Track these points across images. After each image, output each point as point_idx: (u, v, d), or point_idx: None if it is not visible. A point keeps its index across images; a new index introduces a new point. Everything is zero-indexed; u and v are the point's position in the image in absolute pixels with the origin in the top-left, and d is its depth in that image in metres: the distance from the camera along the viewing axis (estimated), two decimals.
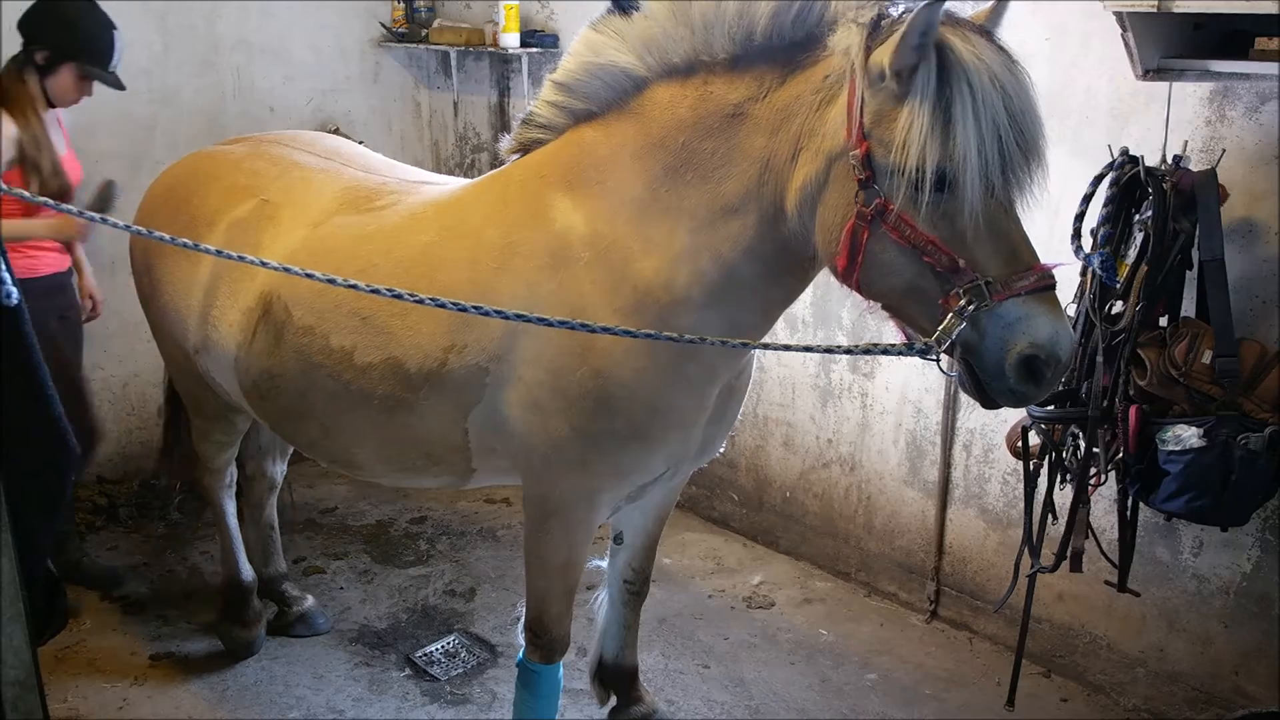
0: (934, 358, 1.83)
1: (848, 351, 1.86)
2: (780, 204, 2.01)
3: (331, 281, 1.76)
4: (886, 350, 1.87)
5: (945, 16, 1.77)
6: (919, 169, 1.76)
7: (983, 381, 1.88)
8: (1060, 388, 2.69)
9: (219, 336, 2.67)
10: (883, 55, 1.78)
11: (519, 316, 1.80)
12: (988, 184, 1.77)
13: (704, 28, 2.03)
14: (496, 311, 1.76)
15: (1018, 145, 1.79)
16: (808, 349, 2.04)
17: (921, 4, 1.70)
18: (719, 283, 2.13)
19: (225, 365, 2.70)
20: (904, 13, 1.82)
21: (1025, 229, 1.87)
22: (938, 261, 1.81)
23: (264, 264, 1.86)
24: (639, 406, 2.21)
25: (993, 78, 1.76)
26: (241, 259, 1.91)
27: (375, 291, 1.78)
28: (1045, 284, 1.82)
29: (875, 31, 1.82)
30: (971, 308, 1.79)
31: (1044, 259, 1.88)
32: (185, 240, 1.98)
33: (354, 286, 1.78)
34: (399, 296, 1.75)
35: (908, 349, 1.84)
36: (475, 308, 1.75)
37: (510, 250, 2.26)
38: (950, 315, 1.80)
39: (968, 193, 1.76)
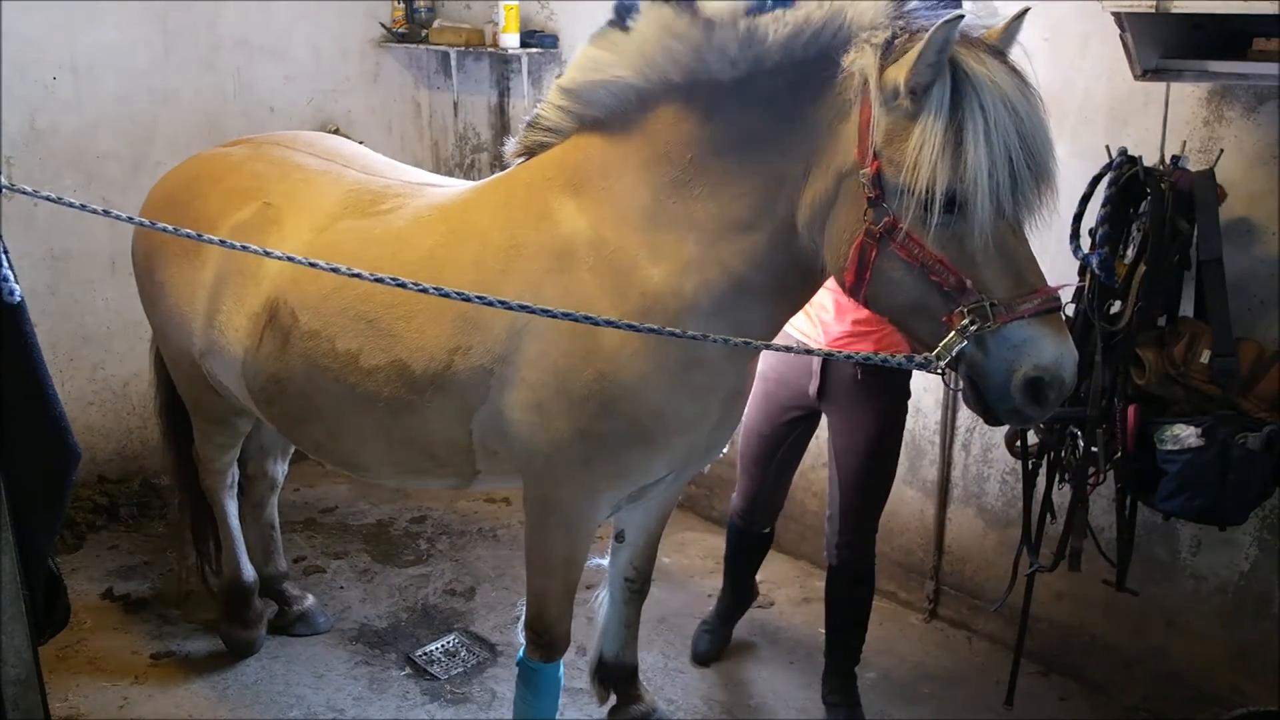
0: (935, 371, 1.85)
1: (848, 358, 1.87)
2: (790, 220, 2.02)
3: (335, 270, 1.78)
4: (887, 359, 1.89)
5: (960, 36, 1.77)
6: (929, 189, 1.77)
7: (988, 401, 1.90)
8: None
9: (225, 341, 2.68)
10: (897, 73, 1.79)
11: (523, 308, 1.81)
12: (997, 206, 1.79)
13: (709, 49, 2.01)
14: (500, 302, 1.77)
15: (1028, 168, 1.80)
16: (808, 351, 2.05)
17: (939, 21, 1.71)
18: (727, 293, 2.14)
19: (232, 370, 2.70)
20: (918, 32, 1.82)
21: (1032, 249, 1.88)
22: (945, 280, 1.83)
23: (267, 253, 1.86)
24: (643, 410, 2.22)
25: (1005, 100, 1.77)
26: (245, 249, 1.91)
27: (379, 280, 1.78)
28: (1050, 306, 1.84)
29: (888, 51, 1.83)
30: (974, 327, 1.81)
31: (1041, 258, 1.90)
32: (188, 230, 1.98)
33: (358, 275, 1.79)
34: (402, 285, 1.76)
35: (908, 360, 1.85)
36: (479, 296, 1.76)
37: (515, 253, 2.26)
38: (953, 333, 1.82)
39: (977, 214, 1.78)
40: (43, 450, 1.89)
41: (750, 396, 2.76)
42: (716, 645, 3.47)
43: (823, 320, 2.76)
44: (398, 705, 3.21)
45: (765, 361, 2.91)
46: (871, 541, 3.00)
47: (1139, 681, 3.23)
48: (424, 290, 1.75)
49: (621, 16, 2.10)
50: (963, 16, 1.73)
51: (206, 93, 4.42)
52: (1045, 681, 3.38)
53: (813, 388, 2.88)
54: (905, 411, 2.93)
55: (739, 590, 3.47)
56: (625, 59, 2.11)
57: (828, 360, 2.79)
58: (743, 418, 3.05)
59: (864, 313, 2.67)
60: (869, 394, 2.81)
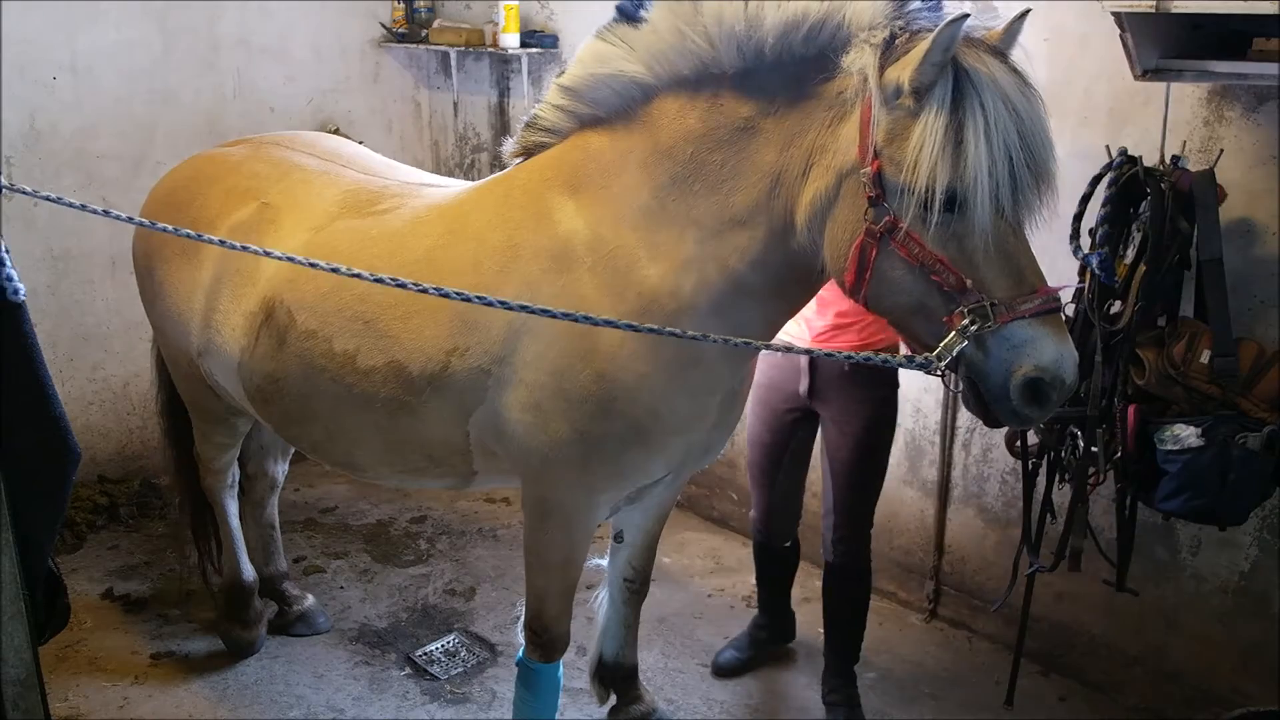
0: (935, 372, 1.84)
1: (848, 358, 1.87)
2: (790, 218, 2.02)
3: (335, 270, 1.78)
4: (887, 360, 1.88)
5: (962, 36, 1.77)
6: (929, 188, 1.77)
7: (987, 402, 1.90)
8: None
9: (222, 341, 2.68)
10: (900, 72, 1.79)
11: (523, 308, 1.80)
12: (997, 205, 1.79)
13: (713, 42, 2.02)
14: (500, 302, 1.77)
15: (1028, 168, 1.80)
16: (808, 352, 2.04)
17: (945, 21, 1.71)
18: (725, 292, 2.14)
19: (228, 369, 2.71)
20: (918, 32, 1.82)
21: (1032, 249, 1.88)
22: (945, 280, 1.83)
23: (267, 253, 1.86)
24: (641, 410, 2.22)
25: (1005, 99, 1.77)
26: (245, 249, 1.91)
27: (379, 280, 1.78)
28: (1050, 307, 1.84)
29: (889, 50, 1.83)
30: (974, 328, 1.81)
31: (1041, 258, 1.89)
32: (188, 230, 1.98)
33: (358, 275, 1.79)
34: (403, 285, 1.76)
35: (908, 361, 1.85)
36: (479, 297, 1.76)
37: (513, 253, 2.26)
38: (953, 333, 1.82)
39: (977, 213, 1.78)
40: (43, 450, 1.89)
41: (748, 406, 2.73)
42: (738, 664, 3.41)
43: (806, 318, 2.76)
44: (398, 705, 3.21)
45: (757, 368, 2.91)
46: (867, 537, 3.01)
47: (1139, 681, 3.23)
48: (423, 290, 1.75)
49: (633, 10, 2.10)
50: (968, 16, 1.73)
51: (206, 93, 4.42)
52: (1045, 681, 3.38)
53: (803, 386, 2.88)
54: (896, 401, 2.93)
55: (775, 616, 3.46)
56: (634, 52, 2.11)
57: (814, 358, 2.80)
58: (745, 429, 3.05)
59: (845, 304, 2.67)
60: (859, 386, 2.83)
